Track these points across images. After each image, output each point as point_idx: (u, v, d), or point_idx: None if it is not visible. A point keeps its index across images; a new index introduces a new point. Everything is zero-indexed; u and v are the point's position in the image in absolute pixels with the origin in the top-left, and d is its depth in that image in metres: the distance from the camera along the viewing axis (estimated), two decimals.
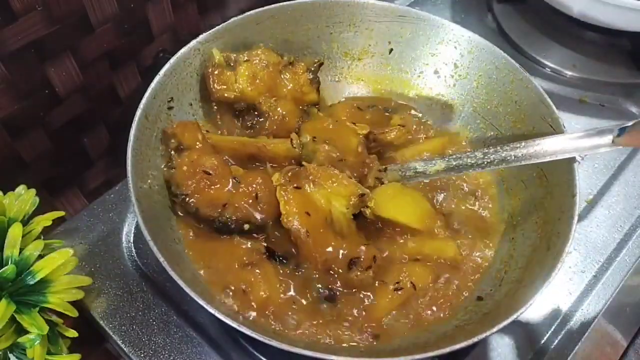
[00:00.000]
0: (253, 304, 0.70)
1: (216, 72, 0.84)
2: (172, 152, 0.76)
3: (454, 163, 0.80)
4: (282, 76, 0.87)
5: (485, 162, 0.78)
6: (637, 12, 1.04)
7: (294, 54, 0.91)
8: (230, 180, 0.76)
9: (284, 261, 0.75)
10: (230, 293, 0.71)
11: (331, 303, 0.73)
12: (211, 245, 0.75)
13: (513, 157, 0.76)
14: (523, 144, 0.76)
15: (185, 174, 0.75)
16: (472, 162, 0.79)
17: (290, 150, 0.83)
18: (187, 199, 0.74)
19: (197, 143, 0.77)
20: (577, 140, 0.73)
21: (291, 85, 0.88)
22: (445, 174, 0.81)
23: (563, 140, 0.74)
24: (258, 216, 0.74)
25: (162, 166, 0.77)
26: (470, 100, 0.93)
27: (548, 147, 0.74)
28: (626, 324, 0.89)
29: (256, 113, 0.87)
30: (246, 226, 0.74)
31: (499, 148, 0.77)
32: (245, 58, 0.85)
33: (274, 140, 0.84)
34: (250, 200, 0.75)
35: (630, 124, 0.69)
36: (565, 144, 0.73)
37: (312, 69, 0.90)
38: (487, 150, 0.78)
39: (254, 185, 0.76)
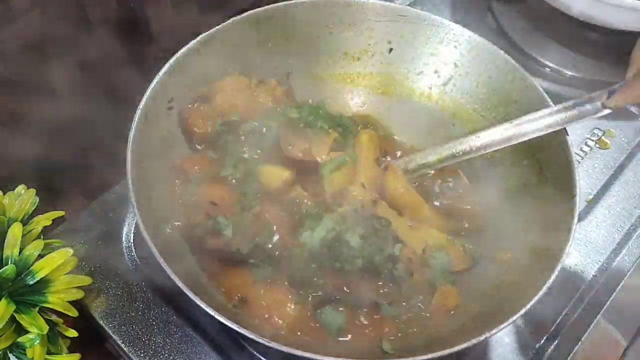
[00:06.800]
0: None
1: (193, 111, 0.84)
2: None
3: (451, 151, 0.84)
4: (256, 94, 0.89)
5: (480, 146, 0.81)
6: (637, 12, 1.04)
7: (292, 54, 0.92)
8: None
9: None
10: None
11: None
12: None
13: (506, 138, 0.79)
14: (514, 122, 0.78)
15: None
16: (467, 148, 0.82)
17: None
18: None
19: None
20: (567, 112, 0.75)
21: (269, 101, 0.89)
22: (446, 162, 0.84)
23: (553, 114, 0.76)
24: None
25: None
26: (471, 99, 0.93)
27: (538, 123, 0.77)
28: (626, 324, 0.89)
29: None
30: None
31: (490, 130, 0.80)
32: (217, 89, 0.86)
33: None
34: None
35: (618, 85, 0.72)
36: (555, 117, 0.76)
37: (283, 81, 0.92)
38: (479, 134, 0.81)
39: None
